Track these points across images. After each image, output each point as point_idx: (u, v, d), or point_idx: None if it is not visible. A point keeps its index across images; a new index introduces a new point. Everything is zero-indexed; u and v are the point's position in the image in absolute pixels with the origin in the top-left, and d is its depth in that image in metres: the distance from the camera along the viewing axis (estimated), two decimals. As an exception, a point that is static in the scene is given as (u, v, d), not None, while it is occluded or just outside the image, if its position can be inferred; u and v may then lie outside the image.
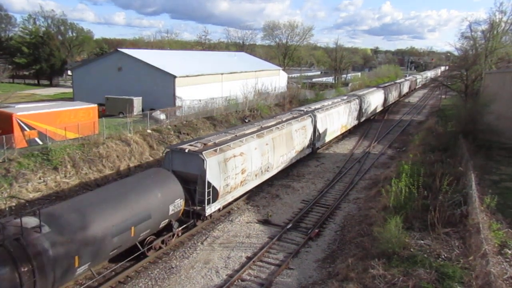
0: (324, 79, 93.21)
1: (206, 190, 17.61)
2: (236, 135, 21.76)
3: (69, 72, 66.33)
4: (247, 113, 42.98)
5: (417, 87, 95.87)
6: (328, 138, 34.84)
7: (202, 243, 17.51)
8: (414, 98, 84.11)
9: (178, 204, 16.45)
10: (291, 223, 19.52)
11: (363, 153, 34.39)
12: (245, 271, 15.23)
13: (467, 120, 28.50)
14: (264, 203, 22.44)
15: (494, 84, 32.76)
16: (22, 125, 23.99)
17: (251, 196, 23.13)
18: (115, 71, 42.32)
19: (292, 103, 53.63)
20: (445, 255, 12.22)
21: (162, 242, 16.52)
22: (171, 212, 16.10)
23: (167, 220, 16.18)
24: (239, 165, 20.11)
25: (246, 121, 41.24)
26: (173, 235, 17.05)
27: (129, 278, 14.62)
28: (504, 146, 27.60)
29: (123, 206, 13.98)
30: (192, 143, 19.42)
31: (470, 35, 44.99)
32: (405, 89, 76.58)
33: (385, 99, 56.66)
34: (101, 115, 32.24)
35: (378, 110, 53.66)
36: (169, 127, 32.81)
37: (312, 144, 30.93)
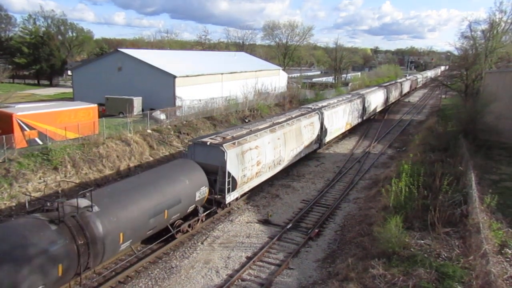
0: (324, 79, 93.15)
1: (226, 180, 19.06)
2: (251, 130, 23.09)
3: (69, 72, 66.31)
4: (247, 113, 42.98)
5: (417, 86, 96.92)
6: (334, 135, 36.15)
7: (202, 243, 17.51)
8: (414, 98, 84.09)
9: (203, 191, 18.07)
10: (291, 223, 19.52)
11: (363, 153, 34.39)
12: (245, 271, 15.23)
13: (467, 120, 28.52)
14: (264, 203, 22.44)
15: (494, 84, 32.74)
16: (22, 125, 23.98)
17: (251, 196, 23.14)
18: (115, 71, 42.31)
19: (292, 103, 53.64)
20: (445, 255, 12.22)
21: (189, 226, 17.97)
22: (197, 198, 17.72)
23: (193, 206, 17.85)
24: (255, 158, 21.60)
25: (246, 121, 41.22)
26: (198, 220, 18.57)
27: (129, 278, 14.62)
28: (504, 146, 27.60)
29: (157, 192, 15.43)
30: (212, 136, 20.89)
31: (470, 34, 45.01)
32: (406, 89, 78.07)
33: (387, 98, 57.95)
34: (101, 115, 32.23)
35: (380, 109, 55.08)
36: (169, 127, 32.82)
37: (319, 139, 32.26)
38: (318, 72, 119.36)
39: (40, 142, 24.73)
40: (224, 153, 18.87)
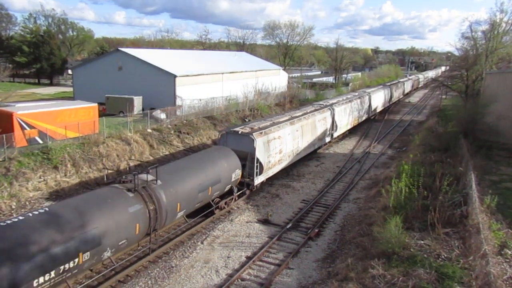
0: (324, 79, 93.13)
1: (255, 165, 21.62)
2: (273, 122, 25.84)
3: (70, 71, 66.30)
4: (247, 112, 42.97)
5: (419, 86, 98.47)
6: (343, 130, 38.63)
7: (202, 243, 17.52)
8: (414, 98, 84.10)
9: (237, 174, 20.74)
10: (291, 222, 19.53)
11: (363, 153, 34.40)
12: (245, 270, 15.23)
13: (468, 120, 28.52)
14: (264, 202, 22.44)
15: (494, 85, 32.73)
16: (23, 124, 23.99)
17: (251, 195, 23.15)
18: (115, 70, 42.31)
19: (292, 102, 53.62)
20: (445, 255, 12.22)
21: (225, 203, 20.61)
22: (233, 179, 20.45)
23: (229, 186, 20.47)
24: (278, 146, 24.29)
25: (246, 120, 41.21)
26: (233, 198, 21.14)
27: (129, 277, 14.63)
28: (504, 147, 27.61)
29: (203, 171, 18.22)
30: (241, 127, 23.70)
31: (470, 35, 44.91)
32: (408, 88, 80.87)
33: (391, 97, 60.97)
34: (102, 114, 32.23)
35: (385, 106, 58.01)
36: (169, 126, 32.81)
37: (330, 133, 34.94)
38: (319, 72, 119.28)
39: (40, 141, 24.73)
40: (253, 141, 21.59)
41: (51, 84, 76.48)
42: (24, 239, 10.67)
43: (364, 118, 46.03)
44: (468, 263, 11.41)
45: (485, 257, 10.89)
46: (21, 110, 24.52)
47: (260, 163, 22.11)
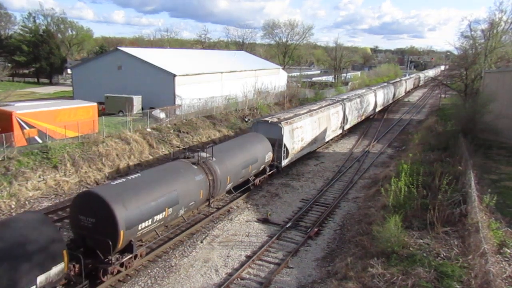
0: (324, 78, 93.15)
1: (282, 149, 25.32)
2: (295, 114, 29.26)
3: (69, 71, 66.23)
4: (247, 112, 42.98)
5: (420, 84, 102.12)
6: (352, 123, 41.96)
7: (201, 242, 17.52)
8: (413, 97, 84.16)
9: (269, 156, 24.29)
10: (290, 222, 19.54)
11: (363, 152, 34.41)
12: (244, 269, 15.24)
13: (467, 119, 28.54)
14: (264, 202, 22.46)
15: (493, 84, 32.76)
16: (22, 123, 23.97)
17: (250, 194, 23.16)
18: (115, 70, 42.29)
19: (291, 102, 53.64)
20: (444, 254, 12.24)
21: (259, 181, 24.04)
22: (266, 160, 23.92)
23: (263, 165, 23.90)
24: (300, 135, 28.00)
25: (246, 120, 41.21)
26: (265, 177, 24.67)
27: (128, 277, 14.63)
28: (504, 146, 27.64)
29: (244, 151, 21.53)
30: (269, 117, 27.42)
31: (469, 34, 44.94)
32: (410, 86, 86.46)
33: (395, 93, 65.04)
34: (101, 113, 32.23)
35: (389, 102, 62.15)
36: (169, 125, 32.81)
37: (342, 126, 38.26)
38: (318, 71, 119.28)
39: (40, 141, 24.73)
40: (281, 129, 25.32)
41: (50, 84, 76.43)
42: (134, 193, 14.01)
43: (371, 112, 49.64)
44: (467, 262, 11.43)
45: (484, 256, 10.91)
46: (21, 110, 24.51)
47: (286, 148, 25.98)
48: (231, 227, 19.10)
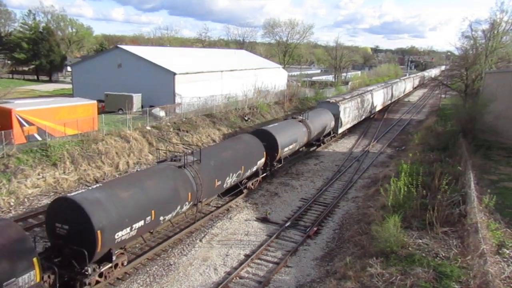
0: (324, 77, 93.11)
1: (339, 121, 36.46)
2: (344, 98, 40.19)
3: (69, 68, 66.17)
4: (247, 111, 42.94)
5: (424, 82, 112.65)
6: (377, 109, 53.05)
7: (200, 241, 17.52)
8: (414, 97, 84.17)
9: (332, 124, 35.47)
10: (289, 221, 19.53)
11: (362, 152, 34.41)
12: (243, 268, 15.24)
13: (467, 120, 28.53)
14: (263, 201, 22.45)
15: (494, 84, 32.74)
16: (21, 120, 23.94)
17: (250, 194, 23.15)
18: (115, 68, 42.24)
19: (292, 101, 53.59)
20: (443, 254, 12.24)
21: (323, 142, 35.22)
22: (332, 126, 35.46)
23: (329, 130, 35.40)
24: (348, 113, 39.03)
25: (246, 119, 41.18)
26: (330, 138, 36.67)
27: (127, 275, 14.63)
28: (503, 146, 27.63)
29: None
30: (328, 99, 40.32)
31: (470, 34, 44.98)
32: (416, 83, 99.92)
33: (405, 88, 78.20)
34: (101, 111, 32.21)
35: (401, 95, 74.30)
36: (169, 124, 32.77)
37: (370, 111, 48.88)
38: (318, 71, 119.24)
39: (39, 138, 24.69)
40: (339, 106, 36.44)
41: (50, 81, 76.32)
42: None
43: (388, 102, 61.17)
44: (466, 262, 11.43)
45: (483, 256, 10.91)
46: (20, 107, 24.48)
47: (341, 121, 36.87)
48: (230, 226, 19.09)
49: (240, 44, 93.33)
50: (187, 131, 32.96)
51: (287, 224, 19.15)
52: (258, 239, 17.85)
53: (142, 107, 36.90)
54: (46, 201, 20.37)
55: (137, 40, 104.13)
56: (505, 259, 11.89)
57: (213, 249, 16.86)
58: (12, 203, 19.36)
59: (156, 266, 15.32)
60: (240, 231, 18.63)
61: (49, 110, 25.76)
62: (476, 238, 11.94)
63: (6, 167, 20.68)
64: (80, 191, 13.22)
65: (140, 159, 27.07)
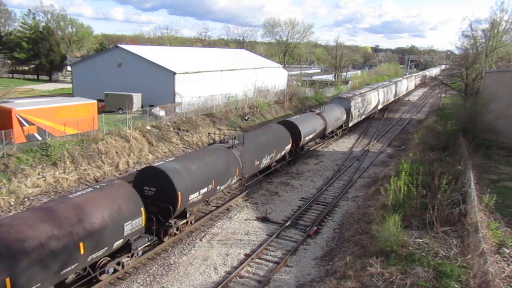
0: (324, 77, 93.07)
1: (350, 115, 39.90)
2: (354, 94, 43.98)
3: (69, 68, 66.14)
4: (247, 110, 42.92)
5: (425, 80, 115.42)
6: (383, 105, 56.39)
7: (200, 240, 17.53)
8: (414, 97, 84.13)
9: (343, 118, 38.73)
10: (289, 220, 19.54)
11: (362, 151, 34.40)
12: (243, 268, 15.25)
13: (467, 119, 28.54)
14: (263, 200, 22.45)
15: (494, 83, 32.74)
16: (21, 120, 23.93)
17: (250, 193, 23.16)
18: (115, 67, 42.21)
19: (292, 100, 53.57)
20: (443, 254, 12.25)
21: (337, 133, 39.16)
22: (343, 119, 38.53)
23: (341, 123, 38.67)
24: (358, 107, 42.41)
25: (246, 118, 41.17)
26: (341, 130, 39.79)
27: (127, 274, 14.64)
28: (503, 145, 27.64)
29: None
30: (340, 94, 45.57)
31: (470, 34, 45.00)
32: (418, 81, 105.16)
33: (408, 86, 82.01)
34: (101, 111, 32.18)
35: (404, 93, 77.58)
36: (169, 123, 32.76)
37: (376, 107, 52.35)
38: (318, 70, 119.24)
39: (39, 138, 24.69)
40: (350, 102, 40.13)
41: (50, 81, 76.27)
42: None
43: (393, 99, 64.46)
44: (466, 262, 11.44)
45: (483, 256, 10.92)
46: (20, 107, 24.46)
47: (352, 114, 40.21)
48: (231, 226, 19.10)
49: (240, 44, 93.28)
50: (187, 131, 32.95)
51: (287, 224, 19.15)
52: (258, 238, 17.86)
53: (142, 106, 36.88)
54: (46, 201, 20.36)
55: (137, 40, 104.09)
56: (505, 259, 11.90)
57: (213, 248, 16.87)
58: (12, 203, 19.36)
59: (156, 266, 15.33)
60: (240, 230, 18.63)
61: (49, 109, 25.75)
62: (476, 237, 11.95)
63: (6, 166, 20.68)
64: (160, 162, 17.17)
65: (140, 158, 27.06)
